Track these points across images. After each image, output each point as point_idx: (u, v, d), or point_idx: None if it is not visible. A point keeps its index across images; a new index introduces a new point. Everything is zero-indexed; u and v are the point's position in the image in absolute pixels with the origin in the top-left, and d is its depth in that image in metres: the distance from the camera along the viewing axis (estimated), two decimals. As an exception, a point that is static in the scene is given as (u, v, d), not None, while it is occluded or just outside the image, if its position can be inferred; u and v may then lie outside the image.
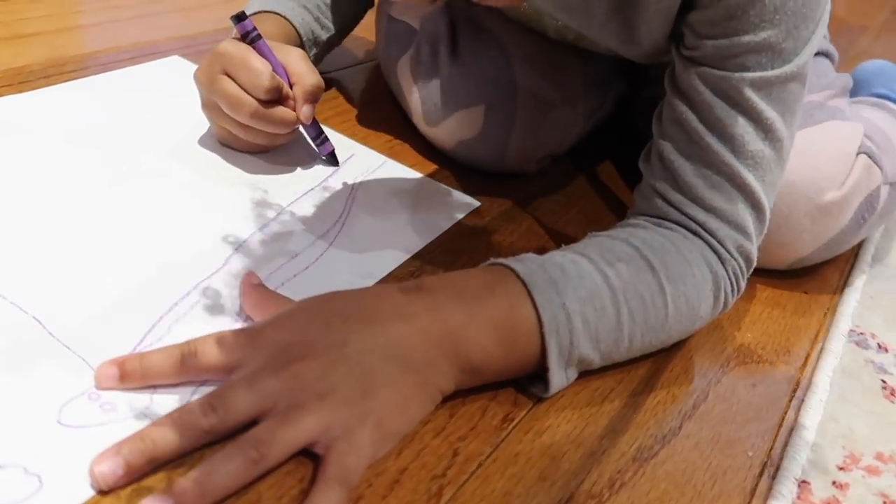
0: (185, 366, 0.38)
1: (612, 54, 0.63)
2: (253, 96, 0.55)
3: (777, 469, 0.45)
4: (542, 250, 0.48)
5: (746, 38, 0.48)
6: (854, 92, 0.91)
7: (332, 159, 0.63)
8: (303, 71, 0.58)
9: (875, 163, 0.62)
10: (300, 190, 0.59)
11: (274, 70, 0.56)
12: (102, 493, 0.34)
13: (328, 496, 0.34)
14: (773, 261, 0.61)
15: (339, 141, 0.67)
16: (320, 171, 0.62)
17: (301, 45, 0.67)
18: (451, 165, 0.67)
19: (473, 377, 0.43)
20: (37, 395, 0.38)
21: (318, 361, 0.38)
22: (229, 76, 0.55)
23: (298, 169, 0.62)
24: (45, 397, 0.38)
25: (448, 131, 0.65)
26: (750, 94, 0.48)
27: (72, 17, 0.76)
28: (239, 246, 0.51)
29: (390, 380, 0.39)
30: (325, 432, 0.36)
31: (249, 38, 0.56)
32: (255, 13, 0.65)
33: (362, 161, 0.65)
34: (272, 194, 0.58)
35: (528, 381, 0.45)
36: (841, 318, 0.60)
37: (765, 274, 0.62)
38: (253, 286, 0.46)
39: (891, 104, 0.80)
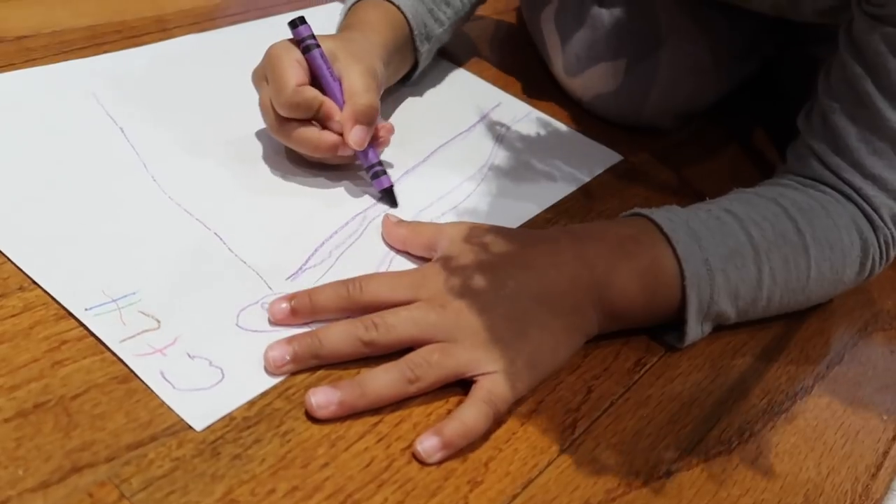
0: (351, 301, 0.41)
1: (765, 14, 0.61)
2: (275, 111, 0.50)
3: (912, 435, 0.45)
4: (678, 205, 0.48)
5: None
6: None
7: (389, 198, 0.52)
8: (357, 89, 0.50)
9: None
10: (449, 135, 0.62)
11: (325, 86, 0.50)
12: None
13: (474, 412, 0.37)
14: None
15: (484, 90, 0.69)
16: (469, 117, 0.64)
17: (411, 39, 0.61)
18: (587, 117, 0.68)
19: (615, 322, 0.45)
20: (219, 301, 0.43)
21: (477, 301, 0.40)
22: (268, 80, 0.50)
23: (451, 115, 0.64)
24: (225, 303, 0.43)
25: (587, 83, 0.66)
26: None
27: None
28: (382, 173, 0.54)
29: (541, 322, 0.41)
30: (478, 367, 0.39)
31: (303, 46, 0.50)
32: (359, 0, 0.61)
33: (508, 110, 0.67)
34: (421, 138, 0.60)
35: (664, 330, 0.46)
36: None
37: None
38: (395, 223, 0.48)
39: None
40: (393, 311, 0.40)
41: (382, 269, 0.48)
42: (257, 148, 0.55)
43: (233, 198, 0.50)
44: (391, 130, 0.54)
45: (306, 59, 0.50)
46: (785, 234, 0.46)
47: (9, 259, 0.41)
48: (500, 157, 0.60)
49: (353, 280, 0.42)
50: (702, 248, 0.44)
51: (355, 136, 0.49)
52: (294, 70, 0.49)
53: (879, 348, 0.51)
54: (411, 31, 0.61)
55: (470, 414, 0.37)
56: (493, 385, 0.39)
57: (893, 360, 0.50)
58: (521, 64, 0.75)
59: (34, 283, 0.40)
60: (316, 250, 0.48)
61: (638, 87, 0.64)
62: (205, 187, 0.50)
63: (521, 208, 0.56)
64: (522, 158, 0.61)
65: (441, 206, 0.54)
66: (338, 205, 0.52)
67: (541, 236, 0.45)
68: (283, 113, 0.49)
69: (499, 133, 0.63)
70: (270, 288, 0.44)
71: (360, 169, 0.54)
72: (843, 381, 0.48)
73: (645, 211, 0.46)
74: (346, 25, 0.60)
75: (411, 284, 0.42)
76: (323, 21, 0.71)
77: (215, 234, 0.47)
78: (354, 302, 0.41)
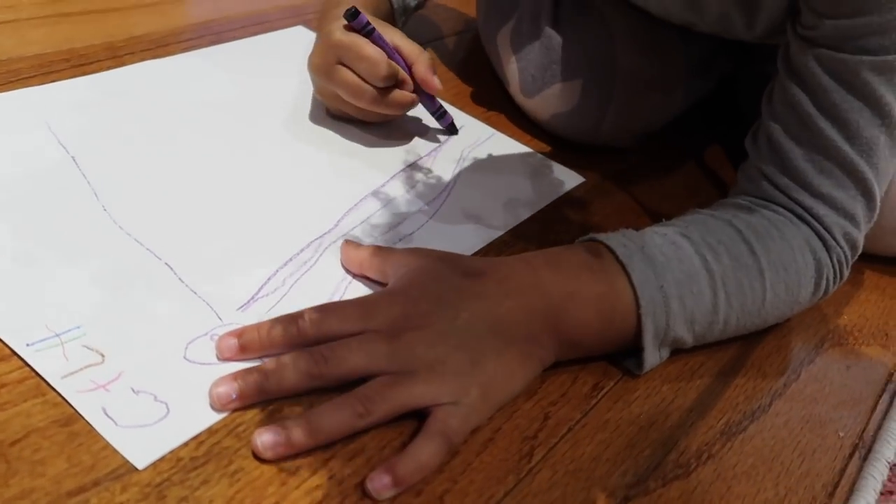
0: (301, 335, 0.40)
1: (718, 33, 0.62)
2: (371, 84, 0.56)
3: (869, 451, 0.45)
4: (635, 226, 0.48)
5: (870, 19, 0.46)
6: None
7: (453, 128, 0.66)
8: (415, 51, 0.59)
9: None
10: (410, 158, 0.62)
11: (390, 57, 0.57)
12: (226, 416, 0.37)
13: (428, 447, 0.37)
14: (883, 248, 0.60)
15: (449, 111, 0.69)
16: (430, 142, 0.64)
17: (391, 12, 0.68)
18: (546, 136, 0.68)
19: (572, 350, 0.44)
20: (166, 333, 0.42)
21: (430, 332, 0.40)
22: (346, 66, 0.57)
23: (414, 139, 0.64)
24: (173, 335, 0.42)
25: (544, 103, 0.66)
26: (869, 77, 0.47)
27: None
28: (349, 210, 0.54)
29: (496, 352, 0.41)
30: (432, 399, 0.38)
31: (365, 31, 0.57)
32: None
33: (472, 132, 0.67)
34: (384, 162, 0.60)
35: (622, 356, 0.46)
36: (945, 304, 0.58)
37: (871, 258, 0.61)
38: (353, 247, 0.48)
39: None
40: (343, 342, 0.40)
41: (337, 296, 0.47)
42: (210, 176, 0.54)
43: (185, 227, 0.49)
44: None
45: (369, 39, 0.57)
46: (740, 258, 0.47)
47: (-53, 298, 0.40)
48: (462, 180, 0.60)
49: (302, 312, 0.41)
50: (657, 275, 0.44)
51: (436, 82, 0.60)
52: (374, 49, 0.56)
53: (835, 364, 0.51)
54: (392, 5, 0.68)
55: (424, 449, 0.37)
56: (448, 417, 0.38)
57: (849, 376, 0.50)
58: (482, 84, 0.75)
59: (-27, 322, 0.39)
60: (269, 279, 0.47)
61: (594, 107, 0.64)
62: (156, 216, 0.50)
63: (479, 233, 0.55)
64: (483, 181, 0.61)
65: (403, 230, 0.54)
66: (292, 232, 0.51)
67: (495, 264, 0.44)
68: (382, 84, 0.57)
69: (461, 156, 0.63)
70: (220, 319, 0.44)
71: (315, 192, 0.53)
72: (799, 399, 0.48)
73: (601, 236, 0.46)
74: (333, 4, 0.62)
75: (362, 315, 0.41)
76: (278, 45, 0.71)
77: (166, 263, 0.46)
78: (304, 336, 0.40)
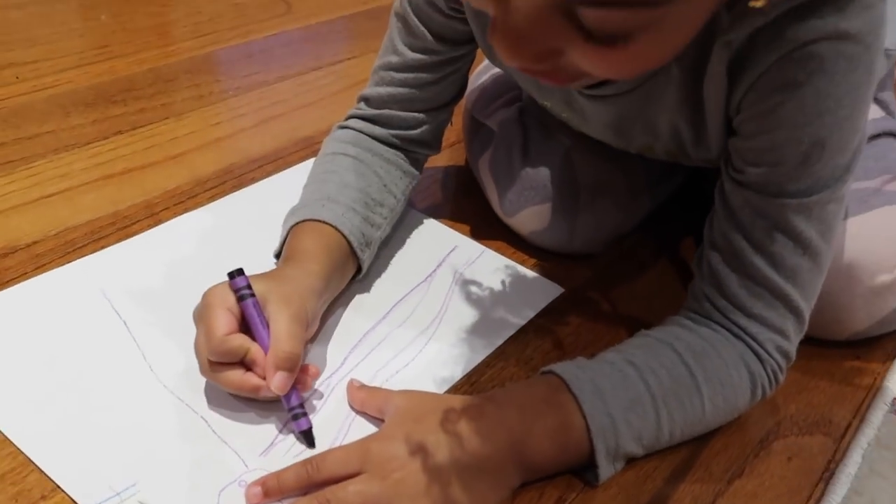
0: (310, 480, 0.50)
1: (674, 159, 0.69)
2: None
3: (797, 543, 0.52)
4: (607, 334, 0.57)
5: (786, 170, 0.53)
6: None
7: (308, 438, 0.55)
8: (281, 336, 0.54)
9: None
10: (410, 286, 0.71)
11: (254, 332, 0.55)
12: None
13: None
14: (830, 334, 0.67)
15: (441, 231, 0.78)
16: (428, 264, 0.73)
17: (352, 252, 0.65)
18: (530, 246, 0.77)
19: (534, 473, 0.53)
20: (204, 482, 0.52)
21: (412, 472, 0.49)
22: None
23: (414, 267, 0.73)
24: (210, 484, 0.52)
25: (522, 222, 0.75)
26: (789, 216, 0.54)
27: (210, 130, 0.91)
28: (355, 345, 0.64)
29: (468, 484, 0.50)
30: None
31: (238, 295, 0.55)
32: (300, 222, 0.65)
33: (464, 252, 0.76)
34: (383, 293, 0.70)
35: (582, 470, 0.55)
36: (886, 388, 0.65)
37: (821, 343, 0.68)
38: (357, 388, 0.58)
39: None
40: (342, 485, 0.49)
41: (343, 430, 0.57)
42: None
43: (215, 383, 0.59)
44: (316, 375, 0.58)
45: (239, 307, 0.55)
46: (679, 379, 0.55)
47: (34, 465, 0.51)
48: (453, 304, 0.69)
49: (310, 460, 0.51)
50: (605, 403, 0.53)
51: (276, 382, 0.53)
52: (223, 318, 0.54)
53: (778, 457, 0.59)
54: (350, 245, 0.65)
55: None
56: (430, 544, 0.47)
57: (790, 468, 0.58)
58: (473, 202, 0.83)
59: (56, 487, 0.50)
60: (285, 424, 0.57)
61: (564, 225, 0.73)
62: (195, 373, 0.58)
63: (467, 357, 0.64)
64: (472, 303, 0.70)
65: (396, 364, 0.63)
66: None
67: (468, 405, 0.53)
68: (211, 358, 0.54)
69: (454, 278, 0.72)
70: (246, 465, 0.54)
71: (322, 333, 0.63)
72: (741, 496, 0.55)
73: (557, 369, 0.55)
74: (285, 257, 0.64)
75: (359, 459, 0.50)
76: (293, 182, 0.78)
77: (202, 417, 0.57)
78: (313, 480, 0.50)
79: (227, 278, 0.56)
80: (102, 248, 0.70)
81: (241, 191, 0.80)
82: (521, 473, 0.52)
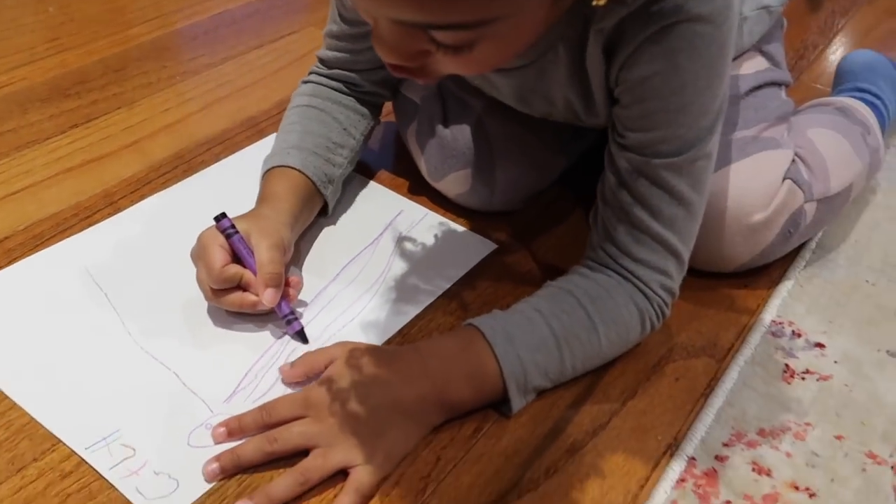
0: (264, 422, 0.59)
1: (571, 122, 0.78)
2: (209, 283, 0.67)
3: (676, 449, 0.62)
4: (531, 284, 0.67)
5: (657, 134, 0.62)
6: (837, 82, 1.00)
7: (301, 337, 0.69)
8: (264, 261, 0.66)
9: (799, 186, 0.75)
10: (357, 249, 0.79)
11: (243, 261, 0.67)
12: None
13: (346, 499, 0.56)
14: (718, 267, 0.77)
15: (389, 197, 0.86)
16: (375, 228, 0.82)
17: (316, 189, 0.77)
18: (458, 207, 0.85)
19: (455, 412, 0.63)
20: (175, 427, 0.61)
21: (346, 414, 0.58)
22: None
23: (359, 231, 0.81)
24: (179, 428, 0.61)
25: (447, 187, 0.83)
26: (664, 173, 0.63)
27: (160, 117, 0.98)
28: (308, 305, 0.72)
29: (395, 424, 0.59)
30: (350, 462, 0.57)
31: (226, 234, 0.67)
32: (272, 168, 0.77)
33: (408, 216, 0.84)
34: (334, 258, 0.78)
35: (498, 403, 0.64)
36: (765, 311, 0.74)
37: (712, 276, 0.77)
38: (289, 367, 0.65)
39: (860, 105, 0.90)
40: (287, 426, 0.59)
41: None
42: (198, 295, 0.71)
43: (185, 341, 0.69)
44: (298, 284, 0.71)
45: (228, 243, 0.68)
46: (578, 320, 0.64)
47: (25, 433, 0.59)
48: (396, 264, 0.78)
49: (264, 406, 0.61)
50: (515, 346, 0.62)
51: (267, 297, 0.66)
52: (219, 254, 0.66)
53: (667, 379, 0.68)
54: (314, 184, 0.77)
55: (343, 500, 0.56)
56: (360, 475, 0.57)
57: (676, 388, 0.67)
58: (409, 166, 0.91)
59: (44, 451, 0.58)
60: (245, 374, 0.66)
61: (484, 187, 0.81)
62: (166, 334, 0.69)
63: (404, 311, 0.73)
64: (413, 262, 0.78)
65: (343, 320, 0.72)
66: (262, 339, 0.69)
67: (396, 356, 0.62)
68: (214, 286, 0.67)
69: (398, 239, 0.81)
70: (211, 411, 0.63)
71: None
72: (632, 413, 0.65)
73: (475, 321, 0.64)
74: (261, 197, 0.75)
75: (302, 404, 0.60)
76: (244, 164, 0.86)
77: (174, 372, 0.66)
78: (266, 422, 0.60)
79: (212, 223, 0.68)
80: (68, 237, 0.78)
81: (192, 176, 0.88)
82: (443, 413, 0.62)
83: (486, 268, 0.79)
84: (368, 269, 0.78)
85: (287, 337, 0.70)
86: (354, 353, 0.63)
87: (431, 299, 0.75)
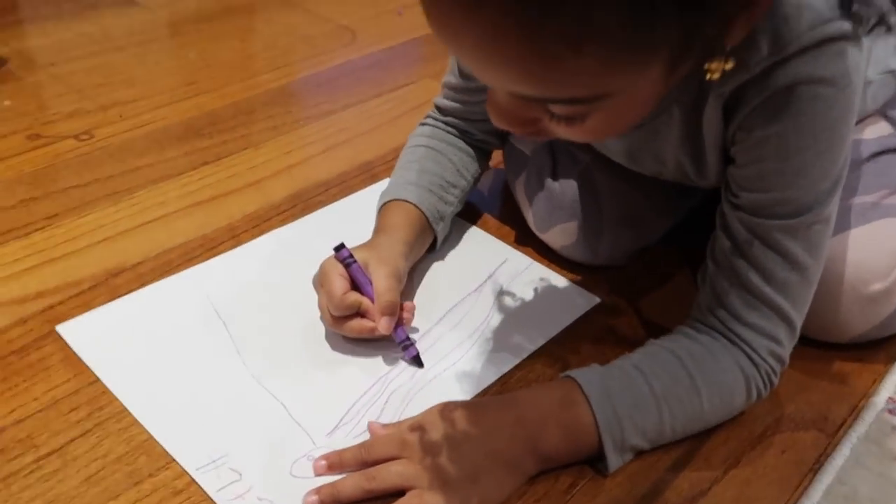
0: (363, 460, 0.61)
1: (679, 182, 0.77)
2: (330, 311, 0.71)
3: (781, 524, 0.60)
4: (632, 340, 0.67)
5: (774, 195, 0.61)
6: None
7: (417, 362, 0.72)
8: (381, 290, 0.70)
9: None
10: (461, 295, 0.81)
11: (361, 289, 0.71)
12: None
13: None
14: (832, 337, 0.74)
15: (495, 245, 0.88)
16: (479, 275, 0.83)
17: (428, 224, 0.81)
18: (562, 259, 0.86)
19: (549, 464, 0.62)
20: (279, 456, 0.63)
21: (442, 459, 0.59)
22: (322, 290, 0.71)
23: (463, 275, 0.83)
24: (283, 458, 0.63)
25: (553, 238, 0.84)
26: (779, 236, 0.62)
27: (283, 158, 1.04)
28: (409, 345, 0.73)
29: (489, 471, 0.60)
30: None
31: (345, 263, 0.71)
32: (389, 201, 0.81)
33: (512, 265, 0.86)
34: (439, 301, 0.80)
35: (595, 460, 0.63)
36: (882, 388, 0.71)
37: (825, 346, 0.74)
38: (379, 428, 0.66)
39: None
40: (385, 466, 0.60)
41: (396, 419, 0.67)
42: (310, 330, 0.75)
43: (295, 373, 0.71)
44: (412, 310, 0.74)
45: (347, 272, 0.71)
46: (680, 381, 0.63)
47: (143, 449, 0.63)
48: (497, 312, 0.79)
49: (364, 443, 0.62)
50: (612, 402, 0.61)
51: (383, 325, 0.70)
52: (339, 282, 0.70)
53: (773, 450, 0.66)
54: (427, 219, 0.81)
55: None
56: (456, 519, 0.57)
57: (782, 459, 0.65)
58: (517, 215, 0.92)
59: (159, 468, 0.62)
60: (347, 411, 0.68)
61: (590, 240, 0.82)
62: (276, 365, 0.72)
63: (503, 361, 0.74)
64: (515, 311, 0.79)
65: (444, 364, 0.73)
66: (363, 374, 0.72)
67: (490, 405, 0.63)
68: (335, 314, 0.70)
69: (501, 288, 0.82)
70: (314, 443, 0.65)
71: (390, 346, 0.73)
72: (735, 482, 0.63)
73: (573, 374, 0.64)
74: (378, 228, 0.80)
75: (399, 446, 0.61)
76: (358, 205, 0.91)
77: (281, 402, 0.69)
78: (364, 460, 0.61)
79: (332, 252, 0.72)
80: (195, 265, 0.83)
81: (309, 215, 0.92)
82: (538, 463, 0.62)
83: (588, 322, 0.79)
84: (471, 314, 0.79)
85: (401, 365, 0.72)
86: (449, 404, 0.64)
87: (531, 350, 0.75)
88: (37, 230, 0.88)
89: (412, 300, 0.79)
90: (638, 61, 0.44)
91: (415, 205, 0.80)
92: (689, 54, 0.46)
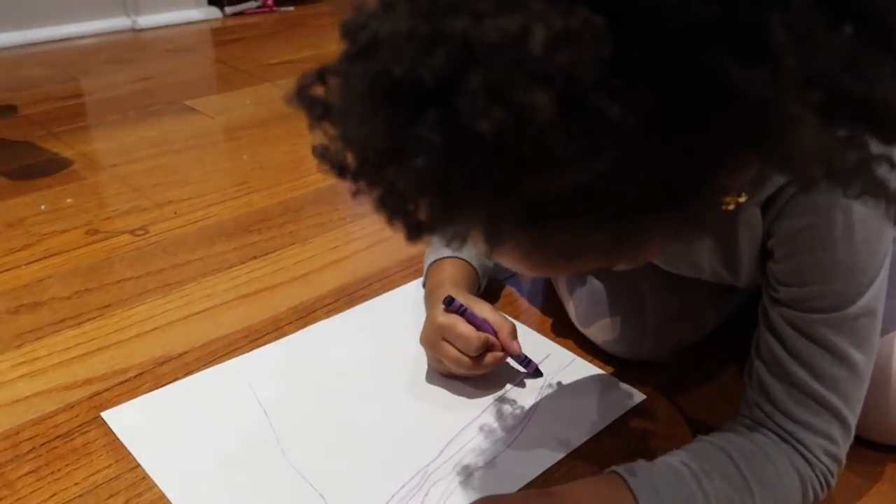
0: None
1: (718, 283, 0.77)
2: (467, 355, 0.76)
3: None
4: (676, 438, 0.64)
5: (814, 288, 0.61)
6: None
7: (538, 373, 0.81)
8: (500, 321, 0.77)
9: None
10: (503, 389, 0.80)
11: (481, 328, 0.75)
12: None
13: None
14: (887, 438, 0.71)
15: (537, 340, 0.87)
16: (518, 374, 0.83)
17: (476, 277, 0.87)
18: (605, 353, 0.85)
19: None
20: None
21: None
22: (448, 342, 0.76)
23: (504, 375, 0.82)
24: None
25: (595, 333, 0.84)
26: (822, 330, 0.61)
27: (329, 253, 1.06)
28: (451, 439, 0.73)
29: None
30: None
31: (459, 312, 0.76)
32: (440, 259, 0.86)
33: (555, 359, 0.85)
34: (485, 387, 0.80)
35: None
36: (947, 494, 0.67)
37: (887, 449, 0.71)
38: None
39: None
40: None
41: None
42: (351, 423, 0.75)
43: (335, 463, 0.71)
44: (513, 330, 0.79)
45: (464, 318, 0.76)
46: (731, 480, 0.61)
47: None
48: (541, 406, 0.78)
49: None
50: (660, 500, 0.59)
51: (515, 346, 0.77)
52: (465, 326, 0.75)
53: (832, 557, 0.62)
54: (476, 273, 0.87)
55: None
56: None
57: (843, 568, 0.61)
58: (560, 308, 0.92)
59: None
60: (387, 502, 0.67)
61: (632, 337, 0.81)
62: (316, 455, 0.72)
63: (546, 456, 0.72)
64: (558, 406, 0.78)
65: (486, 456, 0.72)
66: (405, 464, 0.71)
67: (532, 498, 0.62)
68: (475, 353, 0.75)
69: (545, 382, 0.81)
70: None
71: (421, 427, 0.73)
72: (792, 591, 0.59)
73: (619, 469, 0.62)
74: (439, 282, 0.83)
75: None
76: (400, 299, 0.91)
77: (320, 494, 0.68)
78: None
79: (442, 306, 0.77)
80: (236, 357, 0.84)
81: (353, 308, 0.93)
82: (582, 561, 0.59)
83: (632, 418, 0.77)
84: (515, 407, 0.78)
85: (442, 457, 0.71)
86: (490, 498, 0.62)
87: (575, 447, 0.73)
88: (89, 320, 0.90)
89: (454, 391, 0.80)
90: (636, 246, 0.44)
91: (466, 260, 0.87)
92: (693, 219, 0.42)
